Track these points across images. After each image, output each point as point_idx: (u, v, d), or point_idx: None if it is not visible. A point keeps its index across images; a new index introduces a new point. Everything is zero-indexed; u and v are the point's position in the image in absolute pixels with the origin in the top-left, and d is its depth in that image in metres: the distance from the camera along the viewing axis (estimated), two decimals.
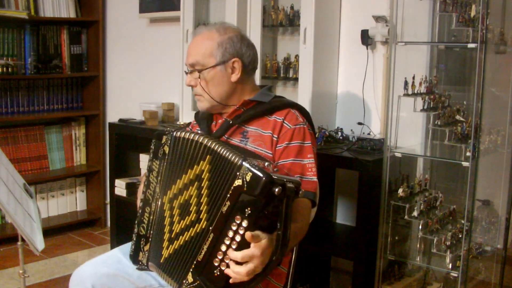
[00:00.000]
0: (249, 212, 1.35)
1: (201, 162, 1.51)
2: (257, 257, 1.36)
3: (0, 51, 3.59)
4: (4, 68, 3.54)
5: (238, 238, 1.37)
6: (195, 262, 1.45)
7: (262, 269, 1.39)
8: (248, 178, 1.36)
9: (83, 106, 4.08)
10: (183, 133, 1.60)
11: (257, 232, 1.36)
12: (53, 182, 3.92)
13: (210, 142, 1.52)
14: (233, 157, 1.43)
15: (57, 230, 3.84)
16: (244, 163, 1.39)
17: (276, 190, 1.33)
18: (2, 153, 1.98)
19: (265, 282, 1.76)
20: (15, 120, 3.71)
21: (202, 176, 1.50)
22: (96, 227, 4.07)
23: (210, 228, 1.43)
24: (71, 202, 4.07)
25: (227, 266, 1.39)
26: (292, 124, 1.74)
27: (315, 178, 1.72)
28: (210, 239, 1.42)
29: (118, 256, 1.80)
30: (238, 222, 1.37)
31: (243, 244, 1.37)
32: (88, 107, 4.06)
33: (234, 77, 1.78)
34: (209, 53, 1.76)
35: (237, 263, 1.37)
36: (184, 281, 1.47)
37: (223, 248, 1.39)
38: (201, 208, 1.48)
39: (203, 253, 1.43)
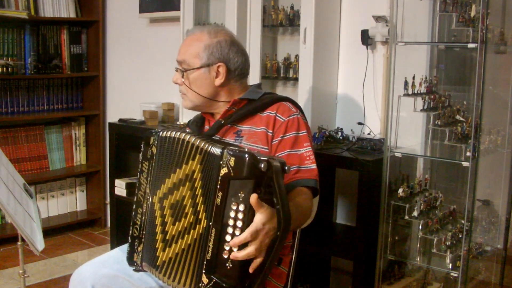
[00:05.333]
0: (243, 195, 1.37)
1: (190, 161, 1.53)
2: (262, 229, 1.36)
3: (0, 51, 3.59)
4: (4, 68, 3.53)
5: (239, 223, 1.38)
6: (205, 263, 1.44)
7: (271, 242, 1.39)
8: (232, 163, 1.39)
9: (83, 106, 4.08)
10: (169, 132, 1.62)
11: (262, 202, 1.36)
12: (53, 182, 3.92)
13: (196, 140, 1.53)
14: (213, 148, 1.46)
15: (57, 230, 3.84)
16: (224, 151, 1.42)
17: (262, 165, 1.36)
18: (2, 153, 1.98)
19: (266, 282, 1.76)
20: (15, 120, 3.71)
21: (194, 177, 1.51)
22: (96, 227, 4.07)
23: (210, 224, 1.43)
24: (71, 202, 4.07)
25: (234, 257, 1.39)
26: (285, 116, 1.75)
27: (314, 166, 1.72)
28: (213, 234, 1.42)
29: (119, 257, 1.80)
30: (234, 208, 1.38)
31: (246, 227, 1.37)
32: (88, 107, 4.06)
33: (218, 81, 1.79)
34: (195, 54, 1.78)
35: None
36: (200, 284, 1.46)
37: (228, 238, 1.39)
38: (198, 209, 1.49)
39: (210, 251, 1.43)
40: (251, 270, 1.40)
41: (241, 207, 1.37)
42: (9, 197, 1.76)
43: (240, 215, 1.37)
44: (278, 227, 1.38)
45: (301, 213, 1.61)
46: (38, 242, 1.76)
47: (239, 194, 1.37)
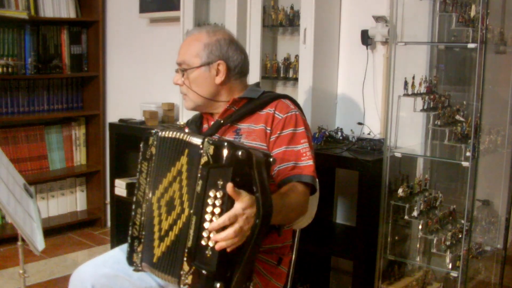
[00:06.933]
0: (221, 183, 1.39)
1: (181, 157, 1.54)
2: (241, 214, 1.36)
3: (0, 51, 3.59)
4: (4, 68, 3.54)
5: (217, 210, 1.39)
6: (186, 250, 1.46)
7: (250, 230, 1.39)
8: (211, 151, 1.43)
9: (83, 106, 4.09)
10: (168, 133, 1.62)
11: (239, 190, 1.37)
12: (53, 182, 3.92)
13: (186, 137, 1.54)
14: (194, 139, 1.49)
15: (57, 230, 3.84)
16: (204, 140, 1.45)
17: (240, 153, 1.38)
18: (2, 153, 1.98)
19: (265, 282, 1.76)
20: (15, 120, 3.71)
21: (183, 170, 1.53)
22: (96, 227, 4.06)
23: (191, 211, 1.46)
24: (71, 202, 4.07)
25: (215, 240, 1.39)
26: (283, 113, 1.76)
27: (310, 162, 1.71)
28: (193, 222, 1.44)
29: (119, 257, 1.80)
30: (212, 195, 1.40)
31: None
32: (88, 107, 4.06)
33: (218, 79, 1.80)
34: (195, 53, 1.79)
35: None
36: (181, 272, 1.47)
37: (206, 225, 1.41)
38: (183, 199, 1.51)
39: (190, 238, 1.45)
40: (228, 250, 1.39)
41: (219, 195, 1.39)
42: (9, 197, 1.76)
43: (218, 202, 1.39)
44: (258, 214, 1.39)
45: (291, 207, 1.60)
46: (38, 242, 1.76)
47: (218, 182, 1.40)
